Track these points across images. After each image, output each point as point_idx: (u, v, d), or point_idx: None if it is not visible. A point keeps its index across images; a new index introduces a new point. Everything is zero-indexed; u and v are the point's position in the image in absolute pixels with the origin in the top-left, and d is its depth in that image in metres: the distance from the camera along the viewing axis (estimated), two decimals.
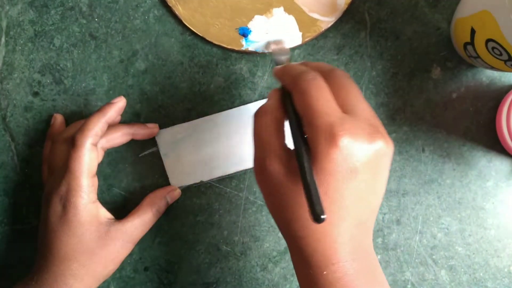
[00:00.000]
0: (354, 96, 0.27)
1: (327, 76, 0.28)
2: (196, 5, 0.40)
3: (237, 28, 0.40)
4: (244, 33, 0.40)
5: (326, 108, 0.26)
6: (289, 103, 0.28)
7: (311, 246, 0.26)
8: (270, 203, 0.29)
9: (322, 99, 0.26)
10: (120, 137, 0.38)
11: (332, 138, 0.25)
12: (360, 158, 0.25)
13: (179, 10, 0.40)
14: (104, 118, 0.36)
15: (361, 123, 0.26)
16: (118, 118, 0.40)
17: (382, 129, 0.27)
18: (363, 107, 0.27)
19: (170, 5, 0.40)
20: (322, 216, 0.23)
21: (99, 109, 0.36)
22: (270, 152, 0.27)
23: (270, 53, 0.40)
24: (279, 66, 0.31)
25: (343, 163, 0.25)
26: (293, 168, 0.27)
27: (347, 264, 0.26)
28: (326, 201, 0.25)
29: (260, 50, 0.40)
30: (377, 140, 0.26)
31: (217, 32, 0.40)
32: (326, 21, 0.40)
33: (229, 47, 0.40)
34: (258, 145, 0.29)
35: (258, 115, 0.29)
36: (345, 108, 0.27)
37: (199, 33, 0.40)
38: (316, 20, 0.40)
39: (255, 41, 0.40)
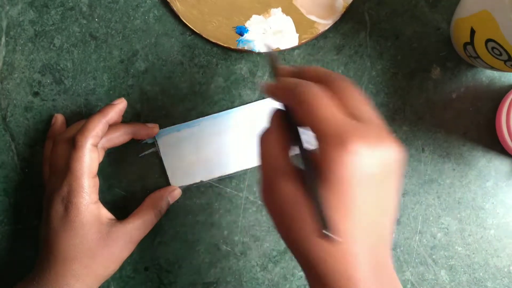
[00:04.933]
0: (358, 100, 0.26)
1: (325, 81, 0.27)
2: (194, 2, 0.40)
3: (234, 27, 0.40)
4: (241, 32, 0.40)
5: (331, 114, 0.25)
6: (288, 119, 0.28)
7: (329, 266, 0.24)
8: (280, 224, 0.27)
9: (324, 106, 0.25)
10: (120, 136, 0.38)
11: (343, 143, 0.23)
12: (375, 162, 0.24)
13: (177, 6, 0.40)
14: (104, 119, 0.36)
15: (371, 127, 0.25)
16: (120, 118, 0.40)
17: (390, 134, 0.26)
18: (369, 111, 0.26)
19: (169, 0, 0.40)
20: (333, 235, 0.22)
21: (100, 110, 0.37)
22: (276, 172, 0.26)
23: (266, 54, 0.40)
24: (268, 83, 0.30)
25: (357, 169, 0.23)
26: (302, 186, 0.25)
27: (369, 283, 0.24)
28: (343, 212, 0.24)
29: (256, 50, 0.40)
30: (390, 144, 0.25)
31: (214, 29, 0.40)
32: (324, 23, 0.40)
33: (225, 45, 0.40)
34: (264, 167, 0.28)
35: (261, 137, 0.28)
36: (350, 113, 0.25)
37: (196, 30, 0.40)
38: (314, 22, 0.40)
39: (251, 40, 0.40)
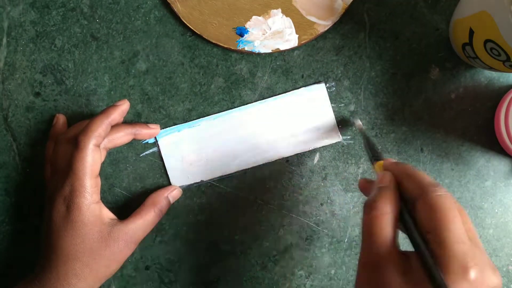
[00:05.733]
0: (470, 223, 0.27)
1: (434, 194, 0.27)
2: (195, 3, 0.41)
3: (234, 28, 0.41)
4: (241, 32, 0.41)
5: (459, 233, 0.25)
6: (408, 212, 0.28)
7: None
8: None
9: (456, 223, 0.25)
10: (122, 137, 0.38)
11: (465, 269, 0.24)
12: None
13: (178, 7, 0.40)
14: (107, 120, 0.36)
15: (485, 255, 0.26)
16: (121, 118, 0.40)
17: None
18: (474, 232, 0.27)
19: (169, 1, 0.40)
20: None
21: (103, 111, 0.37)
22: (384, 257, 0.26)
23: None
24: (393, 162, 0.30)
25: None
26: (415, 279, 0.25)
27: None
28: None
29: (256, 51, 0.40)
30: (498, 275, 0.25)
31: (215, 30, 0.41)
32: (323, 24, 0.40)
33: (225, 46, 0.41)
34: (369, 249, 0.27)
35: (371, 208, 0.28)
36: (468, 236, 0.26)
37: (196, 31, 0.40)
38: (313, 23, 0.40)
39: (251, 41, 0.40)
